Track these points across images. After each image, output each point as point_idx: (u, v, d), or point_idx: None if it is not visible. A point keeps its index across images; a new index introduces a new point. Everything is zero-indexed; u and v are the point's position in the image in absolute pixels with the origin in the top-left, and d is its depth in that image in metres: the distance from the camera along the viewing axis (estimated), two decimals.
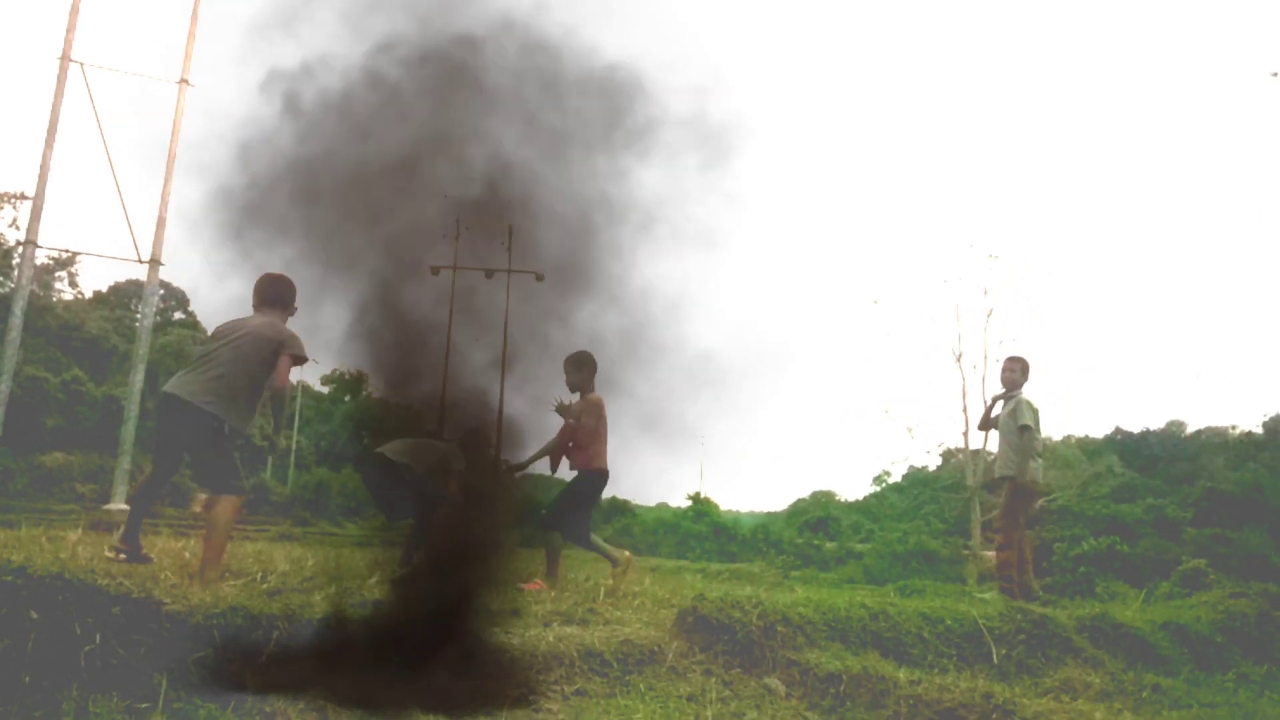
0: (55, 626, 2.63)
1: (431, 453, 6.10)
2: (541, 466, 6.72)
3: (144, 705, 2.62)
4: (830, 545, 33.14)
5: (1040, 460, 7.31)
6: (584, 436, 6.52)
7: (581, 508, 6.64)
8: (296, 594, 4.32)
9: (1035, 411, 7.22)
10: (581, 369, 6.56)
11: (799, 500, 55.88)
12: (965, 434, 26.16)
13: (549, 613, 4.77)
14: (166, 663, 2.78)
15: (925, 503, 51.31)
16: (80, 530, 7.87)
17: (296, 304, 5.33)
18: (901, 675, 4.02)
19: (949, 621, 5.10)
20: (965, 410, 26.09)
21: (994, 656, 4.92)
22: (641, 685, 3.70)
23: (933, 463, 43.49)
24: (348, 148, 4.58)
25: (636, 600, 6.03)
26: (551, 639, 3.90)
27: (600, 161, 4.92)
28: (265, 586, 4.61)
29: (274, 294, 5.28)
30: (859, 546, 31.76)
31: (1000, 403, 7.55)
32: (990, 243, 27.02)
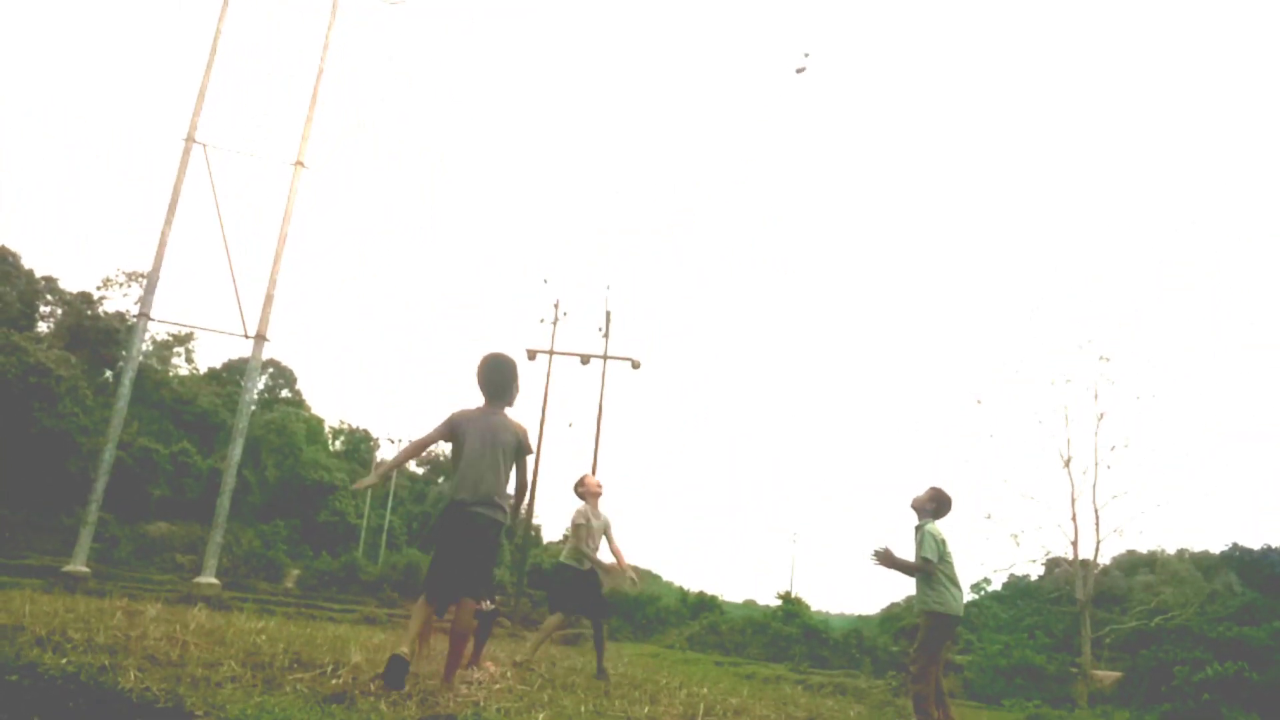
0: None
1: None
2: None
3: None
4: None
5: (954, 589, 7.17)
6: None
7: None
8: (363, 698, 4.00)
9: (940, 541, 7.18)
10: None
11: (893, 604, 53.68)
12: (1074, 543, 24.61)
13: None
14: None
15: (1028, 614, 48.84)
16: (160, 605, 7.79)
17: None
18: None
19: None
20: (1075, 518, 24.63)
21: None
22: None
23: (1035, 572, 41.27)
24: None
25: None
26: None
27: None
28: (334, 684, 4.31)
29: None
30: (958, 658, 29.98)
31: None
32: (1102, 343, 25.77)
